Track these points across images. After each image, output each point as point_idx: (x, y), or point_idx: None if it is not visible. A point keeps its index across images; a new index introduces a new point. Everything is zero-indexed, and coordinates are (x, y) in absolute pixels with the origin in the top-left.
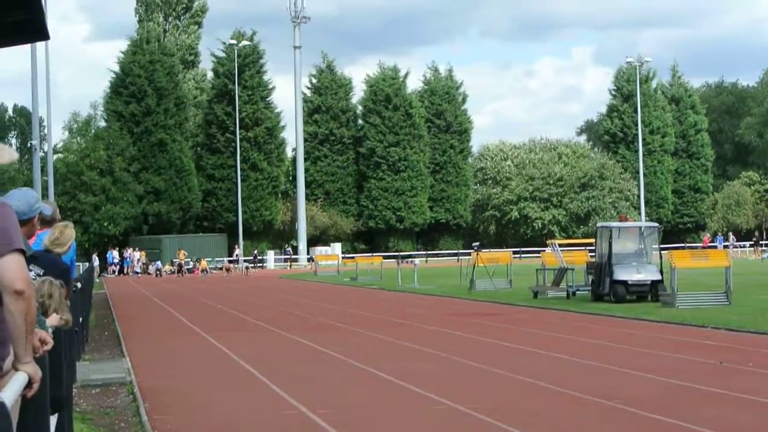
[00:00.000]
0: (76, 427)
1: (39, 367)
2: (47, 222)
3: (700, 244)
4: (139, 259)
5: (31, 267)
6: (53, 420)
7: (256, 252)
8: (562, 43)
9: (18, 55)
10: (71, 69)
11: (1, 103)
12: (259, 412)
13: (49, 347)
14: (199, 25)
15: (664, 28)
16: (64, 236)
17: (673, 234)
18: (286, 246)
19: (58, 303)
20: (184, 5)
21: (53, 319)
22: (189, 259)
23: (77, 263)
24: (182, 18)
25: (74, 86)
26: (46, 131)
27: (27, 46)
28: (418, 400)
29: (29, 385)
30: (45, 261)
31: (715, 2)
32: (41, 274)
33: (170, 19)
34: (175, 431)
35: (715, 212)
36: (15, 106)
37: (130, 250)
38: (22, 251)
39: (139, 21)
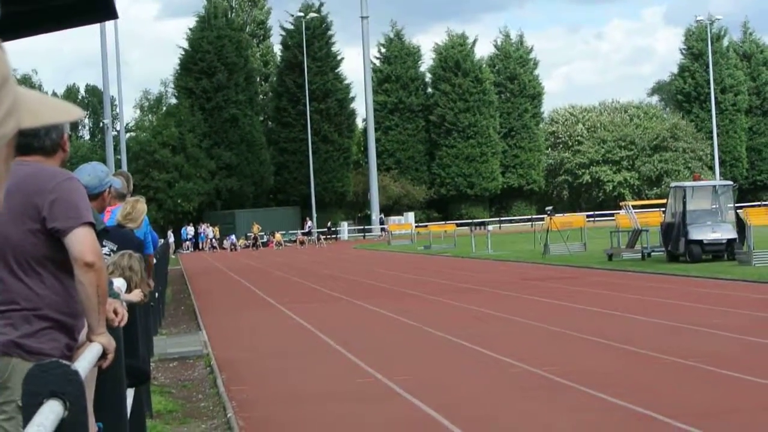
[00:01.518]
0: (155, 400)
1: (113, 338)
2: (121, 196)
3: None
4: (214, 235)
5: (104, 242)
6: (131, 392)
7: (330, 224)
8: (632, 4)
9: (88, 35)
10: (142, 48)
11: (74, 83)
12: (335, 381)
13: (124, 320)
14: None
15: None
16: (136, 211)
17: (750, 192)
18: (359, 215)
19: (140, 276)
20: None
21: (135, 295)
22: (263, 233)
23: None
24: None
25: (146, 65)
26: (118, 110)
27: (97, 26)
28: (494, 364)
29: (104, 355)
30: (118, 236)
31: None
32: (114, 249)
33: None
34: (252, 401)
35: None
36: (87, 86)
37: (203, 226)
38: (91, 224)
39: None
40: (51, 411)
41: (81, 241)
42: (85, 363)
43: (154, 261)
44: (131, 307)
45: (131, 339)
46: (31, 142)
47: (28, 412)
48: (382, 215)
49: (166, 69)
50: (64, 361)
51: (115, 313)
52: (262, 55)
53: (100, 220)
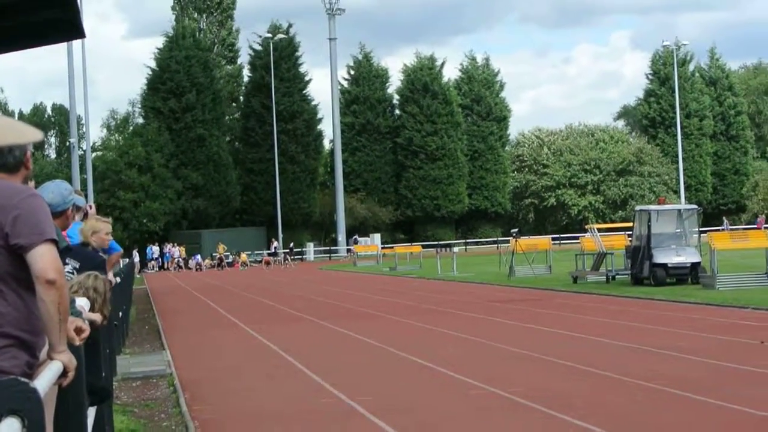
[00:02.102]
0: (117, 419)
1: (74, 356)
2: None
3: (755, 226)
4: (179, 255)
5: (67, 260)
6: (92, 411)
7: (292, 244)
8: (600, 29)
9: (56, 54)
10: (110, 67)
11: (41, 102)
12: (298, 401)
13: (85, 335)
14: (231, 18)
15: (702, 12)
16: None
17: (714, 217)
18: (326, 238)
19: (104, 299)
20: (217, 0)
21: (96, 316)
22: (228, 253)
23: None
24: (215, 14)
25: (113, 84)
26: (84, 129)
27: (64, 45)
28: (457, 386)
29: (64, 374)
30: (81, 254)
31: None
32: (77, 267)
33: (204, 16)
34: (214, 420)
35: (756, 194)
36: (54, 105)
37: (169, 246)
38: (54, 241)
39: (176, 19)
40: (9, 428)
41: (43, 259)
42: (44, 381)
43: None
44: (93, 326)
45: (93, 358)
46: None
47: None
48: (356, 236)
49: (133, 89)
50: (23, 379)
51: (78, 331)
52: (231, 76)
53: (62, 238)
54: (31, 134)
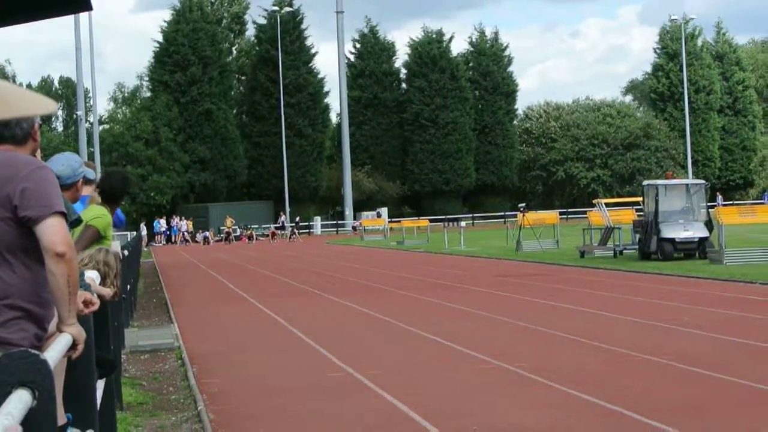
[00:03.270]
0: (125, 392)
1: (84, 329)
2: (89, 182)
3: (762, 201)
4: (186, 228)
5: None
6: (101, 384)
7: (299, 218)
8: (608, 3)
9: (64, 27)
10: (118, 40)
11: (48, 75)
12: (307, 374)
13: (95, 308)
14: None
15: None
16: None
17: (722, 191)
18: (332, 211)
19: (115, 273)
20: None
21: (106, 290)
22: (236, 227)
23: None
24: None
25: (121, 57)
26: (91, 102)
27: (71, 18)
28: (465, 360)
29: (74, 346)
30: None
31: None
32: None
33: None
34: (222, 394)
35: (764, 169)
36: (61, 77)
37: (176, 219)
38: (63, 214)
39: None
40: (19, 400)
41: (52, 231)
42: (54, 353)
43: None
44: (102, 299)
45: (101, 331)
46: (2, 131)
47: None
48: (360, 222)
49: (141, 62)
50: (33, 351)
51: (86, 304)
52: (239, 49)
53: (72, 210)
54: (46, 105)
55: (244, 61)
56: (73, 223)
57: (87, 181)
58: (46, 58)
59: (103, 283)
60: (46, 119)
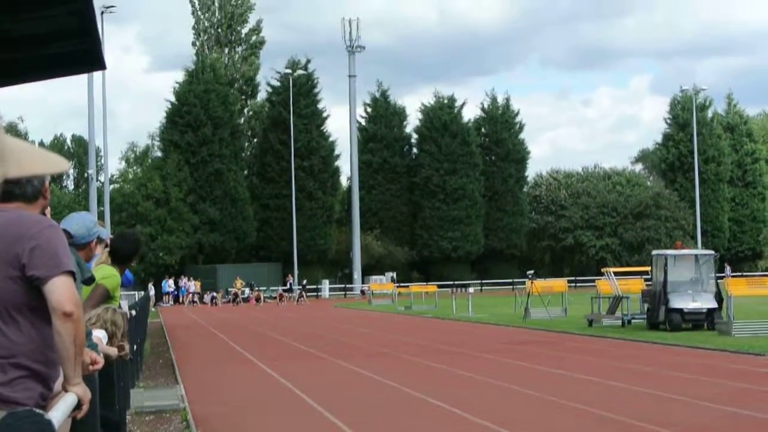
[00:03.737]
0: None
1: (89, 389)
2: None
3: None
4: (194, 289)
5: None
6: None
7: (305, 281)
8: (620, 72)
9: (77, 85)
10: (132, 100)
11: (61, 133)
12: None
13: (99, 366)
14: (257, 56)
15: (722, 57)
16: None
17: (731, 263)
18: (339, 273)
19: (123, 332)
20: (242, 36)
21: (112, 350)
22: (246, 288)
23: (132, 292)
24: (238, 49)
25: (134, 117)
26: (103, 161)
27: (85, 77)
28: (470, 428)
29: (78, 406)
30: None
31: None
32: None
33: (226, 50)
34: None
35: None
36: (73, 136)
37: (184, 279)
38: (71, 273)
39: (196, 53)
40: None
41: (60, 291)
42: (58, 413)
43: (134, 313)
44: (108, 359)
45: (107, 390)
46: (13, 189)
47: None
48: (367, 286)
49: (153, 122)
50: (38, 410)
51: (91, 363)
52: (250, 111)
53: (87, 269)
54: (58, 164)
55: (255, 123)
56: (87, 281)
57: (99, 241)
58: (59, 116)
59: (110, 342)
60: (58, 177)
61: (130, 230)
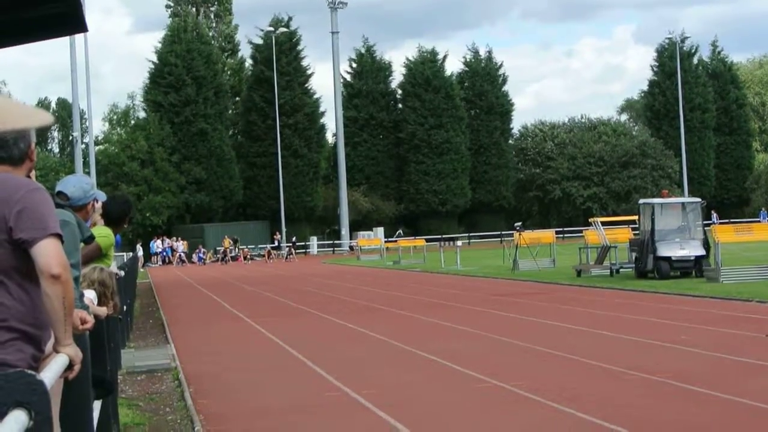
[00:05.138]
0: (122, 413)
1: (80, 350)
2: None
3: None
4: (182, 249)
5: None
6: (98, 405)
7: (294, 238)
8: (603, 23)
9: (60, 48)
10: (115, 61)
11: (45, 97)
12: (303, 395)
13: (89, 326)
14: (230, 12)
15: (705, 5)
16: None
17: (718, 210)
18: (328, 230)
19: (111, 291)
20: None
21: (102, 310)
22: (233, 246)
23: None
24: (212, 7)
25: (119, 78)
26: (87, 123)
27: (67, 40)
28: (461, 379)
29: (70, 367)
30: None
31: None
32: None
33: (202, 10)
34: (220, 414)
35: (759, 187)
36: (58, 99)
37: (168, 241)
38: (58, 235)
39: (173, 14)
40: (16, 421)
41: (47, 253)
42: (50, 374)
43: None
44: (98, 319)
45: (98, 351)
46: None
47: None
48: (355, 242)
49: (137, 83)
50: (30, 371)
51: (81, 322)
52: (233, 70)
53: (86, 228)
54: (41, 117)
55: (236, 80)
56: (87, 240)
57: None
58: (43, 80)
59: (99, 302)
60: (43, 140)
61: (120, 192)
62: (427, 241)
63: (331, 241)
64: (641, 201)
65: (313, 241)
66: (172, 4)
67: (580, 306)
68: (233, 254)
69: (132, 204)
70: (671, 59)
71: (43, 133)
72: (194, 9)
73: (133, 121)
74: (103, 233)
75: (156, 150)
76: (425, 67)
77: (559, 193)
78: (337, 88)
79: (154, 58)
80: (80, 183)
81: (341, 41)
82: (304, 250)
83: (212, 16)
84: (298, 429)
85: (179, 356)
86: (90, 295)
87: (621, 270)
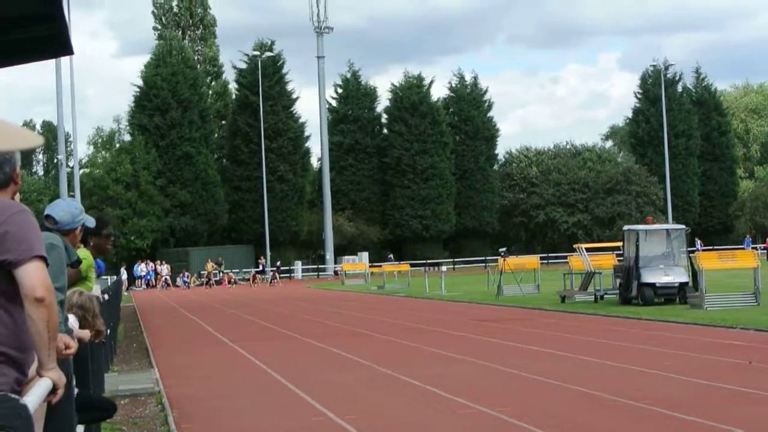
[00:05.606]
0: None
1: (64, 374)
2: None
3: (761, 245)
4: (166, 272)
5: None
6: (80, 429)
7: (279, 262)
8: (589, 50)
9: (45, 71)
10: (101, 85)
11: (30, 119)
12: (286, 419)
13: (72, 351)
14: (214, 35)
15: (690, 32)
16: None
17: (702, 237)
18: (313, 255)
19: (93, 315)
20: (199, 17)
21: (85, 333)
22: (218, 271)
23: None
24: (197, 31)
25: (104, 101)
26: (72, 147)
27: (52, 62)
28: (445, 405)
29: (53, 391)
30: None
31: (741, 4)
32: None
33: (188, 33)
34: None
35: (743, 214)
36: (43, 122)
37: (151, 264)
38: (43, 258)
39: (159, 37)
40: None
41: (31, 276)
42: (34, 398)
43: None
44: (81, 343)
45: (80, 373)
46: None
47: None
48: (340, 267)
49: (124, 106)
50: (13, 395)
51: (67, 347)
52: (217, 93)
53: (73, 252)
54: (30, 139)
55: (222, 104)
56: (74, 264)
57: (83, 228)
58: (28, 102)
59: (80, 326)
60: (27, 163)
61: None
62: (412, 266)
63: (316, 266)
64: (626, 227)
65: (298, 266)
66: (159, 27)
67: (564, 332)
68: (217, 278)
69: (105, 219)
70: (655, 86)
71: (27, 155)
72: (180, 32)
73: (118, 144)
74: (82, 255)
75: (141, 173)
76: (411, 92)
77: (544, 218)
78: (323, 112)
79: (140, 82)
80: (69, 207)
81: (327, 66)
82: (288, 275)
83: (198, 39)
84: None
85: (163, 380)
86: (70, 319)
87: (605, 296)
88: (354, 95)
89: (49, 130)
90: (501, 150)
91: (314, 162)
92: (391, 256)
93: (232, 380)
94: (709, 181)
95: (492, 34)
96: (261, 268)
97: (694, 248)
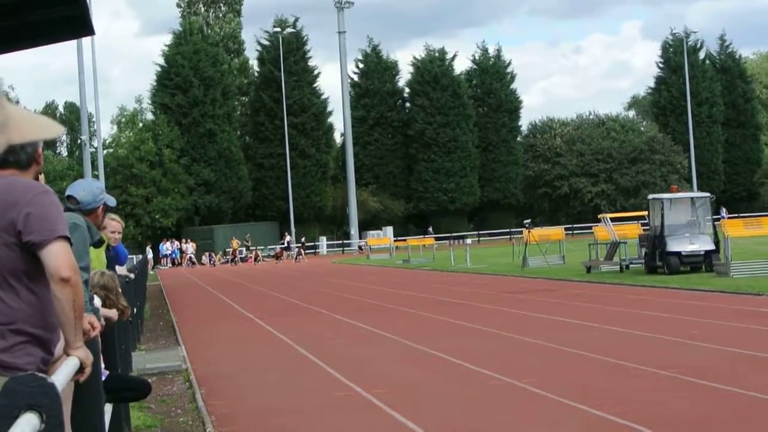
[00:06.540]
0: (133, 415)
1: (91, 353)
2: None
3: None
4: (192, 251)
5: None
6: (109, 408)
7: (304, 238)
8: (610, 19)
9: (68, 52)
10: (124, 64)
11: (53, 100)
12: (314, 394)
13: (98, 332)
14: (238, 13)
15: (712, 1)
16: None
17: (726, 204)
18: (338, 230)
19: (115, 294)
20: None
21: (112, 312)
22: (243, 248)
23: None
24: (222, 7)
25: (127, 81)
26: (95, 127)
27: (75, 43)
28: (473, 377)
29: (81, 370)
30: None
31: None
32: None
33: (211, 11)
34: (230, 415)
35: None
36: (66, 102)
37: (176, 243)
38: (67, 238)
39: (182, 15)
40: (27, 423)
41: (56, 256)
42: (61, 377)
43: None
44: (109, 322)
45: (109, 353)
46: (7, 156)
47: (4, 424)
48: (364, 241)
49: (147, 86)
50: (41, 375)
51: (92, 326)
52: (238, 70)
53: (96, 232)
54: (54, 129)
55: (243, 81)
56: (97, 243)
57: (105, 208)
58: (52, 83)
59: (104, 306)
60: (51, 144)
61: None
62: (437, 239)
63: (341, 241)
64: (650, 196)
65: (323, 242)
66: (182, 4)
67: (589, 302)
68: (242, 255)
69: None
70: (677, 54)
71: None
72: (203, 9)
73: (141, 124)
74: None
75: (165, 152)
76: (433, 66)
77: (567, 189)
78: (345, 87)
79: (162, 61)
80: (90, 187)
81: (348, 41)
82: (313, 251)
83: (221, 16)
84: (310, 429)
85: (190, 358)
86: (95, 300)
87: (631, 266)
88: (375, 70)
89: (72, 111)
90: (524, 122)
91: (337, 137)
92: (431, 228)
93: (259, 356)
94: (733, 149)
95: (514, 5)
96: (286, 244)
97: (719, 216)
